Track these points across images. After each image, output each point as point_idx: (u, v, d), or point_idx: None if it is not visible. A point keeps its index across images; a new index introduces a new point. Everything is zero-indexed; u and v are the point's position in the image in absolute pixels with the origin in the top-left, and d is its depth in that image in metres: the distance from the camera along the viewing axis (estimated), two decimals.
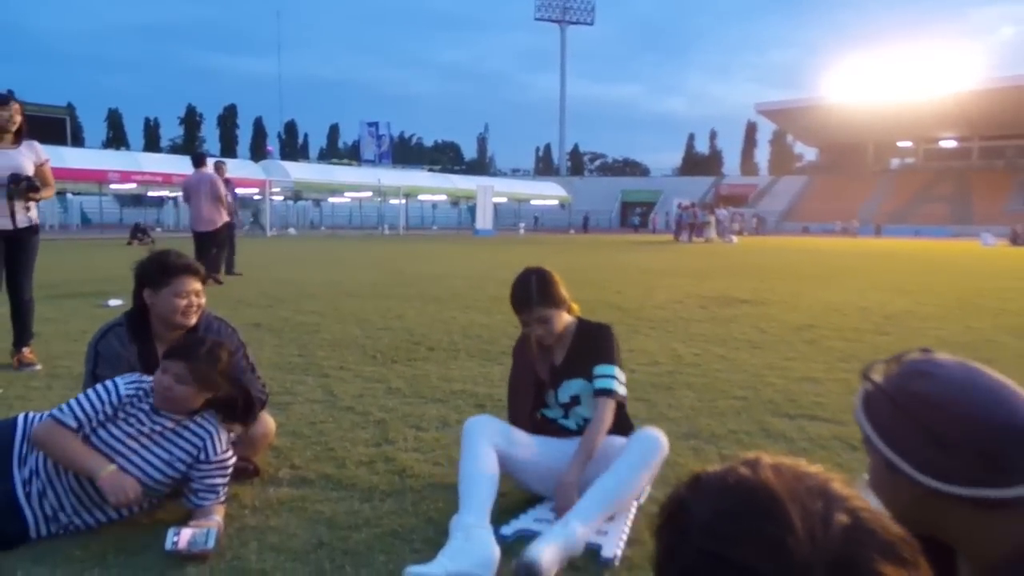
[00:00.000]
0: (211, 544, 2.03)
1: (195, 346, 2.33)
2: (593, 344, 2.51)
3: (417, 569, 1.90)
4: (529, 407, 2.57)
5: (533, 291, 2.47)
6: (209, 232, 9.84)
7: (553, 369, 2.56)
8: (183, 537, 2.03)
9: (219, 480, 2.30)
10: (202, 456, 2.29)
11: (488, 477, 2.23)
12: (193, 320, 2.70)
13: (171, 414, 2.30)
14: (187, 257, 2.74)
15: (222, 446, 2.33)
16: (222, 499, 2.31)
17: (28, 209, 4.47)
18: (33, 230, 4.54)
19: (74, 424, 2.19)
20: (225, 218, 10.14)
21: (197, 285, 2.70)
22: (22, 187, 4.33)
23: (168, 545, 2.02)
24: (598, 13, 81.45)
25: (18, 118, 4.42)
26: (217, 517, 2.21)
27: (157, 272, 2.64)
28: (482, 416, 2.48)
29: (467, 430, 2.37)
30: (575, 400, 2.52)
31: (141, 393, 2.29)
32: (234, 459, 2.39)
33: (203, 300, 2.74)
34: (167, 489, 2.31)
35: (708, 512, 0.62)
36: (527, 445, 2.45)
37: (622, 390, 2.47)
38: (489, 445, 2.32)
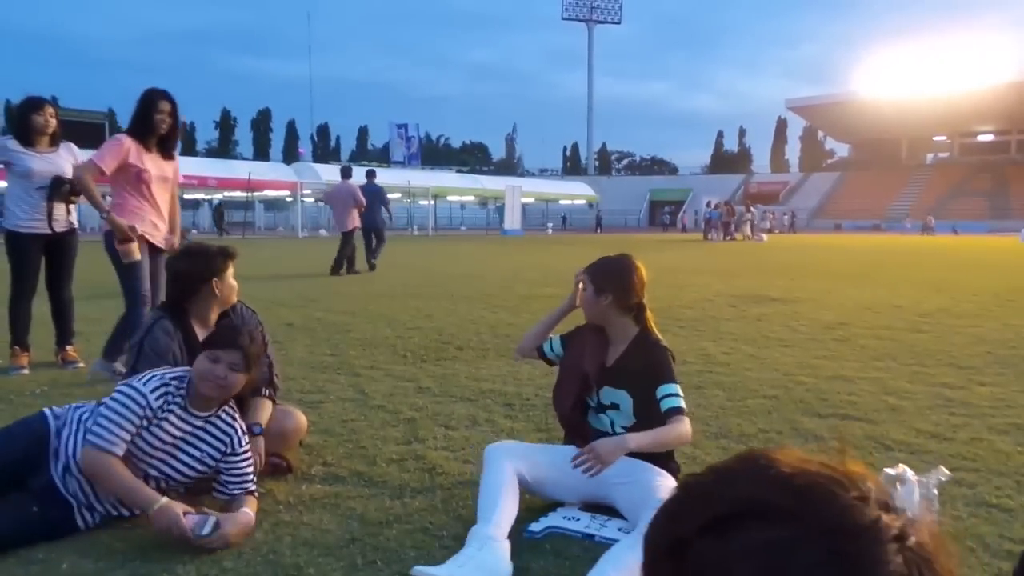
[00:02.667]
0: (206, 531, 2.07)
1: (238, 333, 2.38)
2: (648, 361, 2.42)
3: (423, 570, 1.92)
4: (571, 402, 2.52)
5: (596, 267, 2.52)
6: (348, 232, 12.17)
7: (603, 368, 2.50)
8: (187, 521, 2.09)
9: (248, 468, 2.36)
10: (229, 449, 2.36)
11: (508, 492, 2.21)
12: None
13: (198, 411, 2.32)
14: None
15: (244, 436, 2.42)
16: (252, 488, 2.36)
17: (69, 212, 4.59)
18: (72, 232, 4.65)
19: (121, 450, 2.19)
20: (357, 222, 12.29)
21: None
22: (64, 190, 4.43)
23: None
24: (625, 11, 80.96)
25: (53, 121, 4.50)
26: (247, 508, 2.24)
27: (222, 261, 2.87)
28: (501, 443, 2.54)
29: (487, 456, 2.37)
30: (614, 406, 2.47)
31: (168, 397, 2.29)
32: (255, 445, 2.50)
33: None
34: (196, 480, 2.39)
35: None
36: (550, 463, 2.40)
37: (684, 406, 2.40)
38: (510, 466, 2.30)
